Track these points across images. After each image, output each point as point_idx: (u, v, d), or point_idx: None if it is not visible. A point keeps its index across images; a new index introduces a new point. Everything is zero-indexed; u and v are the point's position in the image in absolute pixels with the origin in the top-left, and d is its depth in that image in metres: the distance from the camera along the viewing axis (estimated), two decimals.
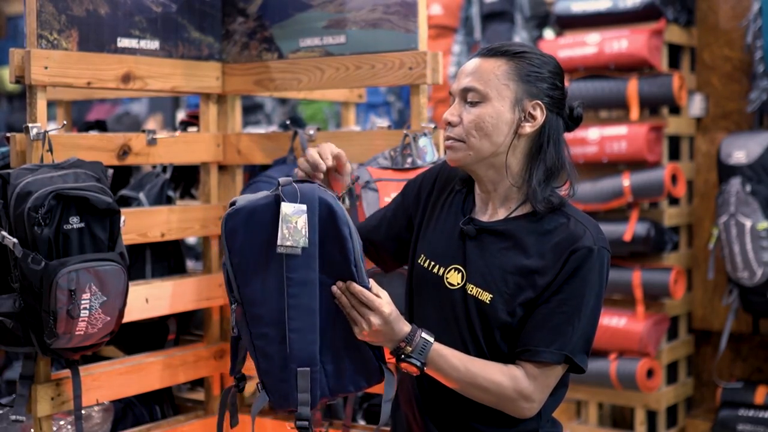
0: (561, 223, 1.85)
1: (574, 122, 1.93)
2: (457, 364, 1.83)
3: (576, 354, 1.83)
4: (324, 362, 1.89)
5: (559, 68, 1.92)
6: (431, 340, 1.84)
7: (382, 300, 1.83)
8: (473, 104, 1.87)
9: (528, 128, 1.87)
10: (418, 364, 1.82)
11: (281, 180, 1.88)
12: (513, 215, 1.90)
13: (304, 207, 1.83)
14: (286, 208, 1.83)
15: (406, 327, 1.84)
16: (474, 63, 1.89)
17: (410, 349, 1.82)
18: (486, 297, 1.86)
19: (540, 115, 1.87)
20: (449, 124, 1.90)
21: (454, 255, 1.93)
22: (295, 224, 1.82)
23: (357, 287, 1.83)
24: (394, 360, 1.88)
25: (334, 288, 1.86)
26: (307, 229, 1.82)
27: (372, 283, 1.86)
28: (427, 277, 1.96)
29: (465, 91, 1.88)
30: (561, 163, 1.90)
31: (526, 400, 1.83)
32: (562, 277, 1.81)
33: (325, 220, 1.86)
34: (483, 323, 1.86)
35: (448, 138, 1.91)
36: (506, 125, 1.86)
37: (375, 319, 1.82)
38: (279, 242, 1.82)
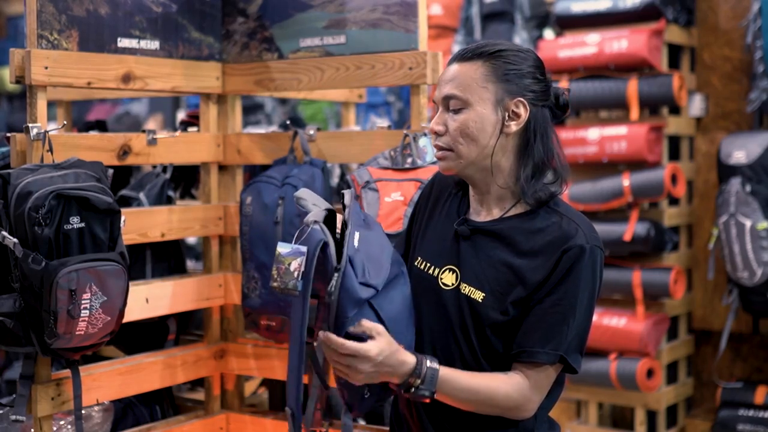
0: (553, 222, 1.86)
1: (561, 110, 1.94)
2: (464, 386, 1.82)
3: (570, 354, 1.83)
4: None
5: (538, 60, 1.92)
6: (437, 366, 1.80)
7: (365, 345, 1.75)
8: (456, 111, 1.87)
9: (513, 126, 1.87)
10: (428, 393, 1.80)
11: (306, 219, 1.79)
12: (507, 215, 1.90)
13: (304, 249, 1.73)
14: (281, 248, 1.74)
15: (409, 359, 1.79)
16: (452, 69, 1.89)
17: (419, 381, 1.78)
18: (479, 296, 1.86)
19: (524, 112, 1.87)
20: (436, 133, 1.90)
21: (449, 256, 1.93)
22: (287, 266, 1.73)
23: (334, 340, 1.73)
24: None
25: (319, 335, 1.77)
26: (301, 272, 1.72)
27: (364, 323, 1.77)
28: (422, 278, 1.96)
29: (446, 99, 1.88)
30: (550, 156, 1.90)
31: (527, 402, 1.84)
32: (556, 276, 1.81)
33: (319, 262, 1.76)
34: (476, 322, 1.86)
35: (437, 147, 1.91)
36: (491, 127, 1.86)
37: (364, 366, 1.75)
38: (272, 283, 1.76)
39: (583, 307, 1.83)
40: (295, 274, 1.72)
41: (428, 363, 1.80)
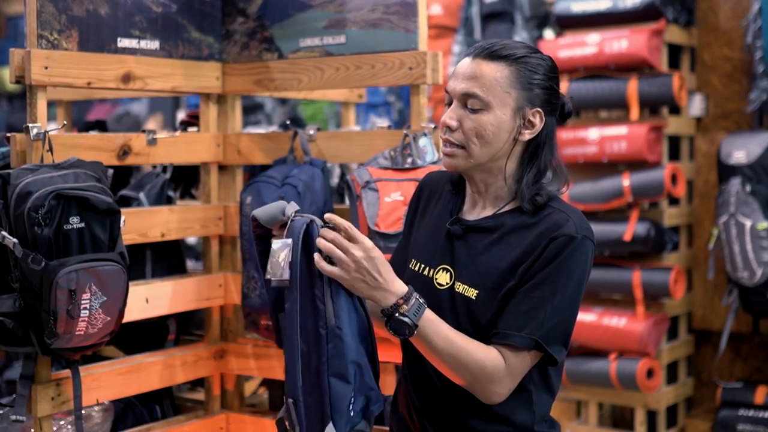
0: (545, 215, 1.85)
1: (564, 118, 1.94)
2: (443, 335, 1.80)
3: (550, 343, 1.79)
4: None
5: (555, 69, 1.90)
6: (426, 305, 1.80)
7: (364, 236, 1.80)
8: (474, 111, 1.84)
9: (527, 135, 1.86)
10: (411, 323, 1.77)
11: (287, 212, 1.86)
12: (500, 212, 1.90)
13: (289, 241, 1.82)
14: (274, 244, 1.84)
15: (402, 284, 1.80)
16: (474, 65, 1.86)
17: (407, 307, 1.77)
18: (472, 293, 1.85)
19: (539, 122, 1.86)
20: (448, 128, 1.87)
21: (442, 255, 1.93)
22: (277, 258, 1.82)
23: (338, 221, 1.79)
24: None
25: (322, 232, 1.80)
26: (287, 262, 1.81)
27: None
28: (417, 280, 1.95)
29: (465, 96, 1.85)
30: (553, 161, 1.90)
31: (498, 383, 1.80)
32: (540, 263, 1.80)
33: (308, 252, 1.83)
34: (471, 320, 1.85)
35: (447, 142, 1.88)
36: (506, 133, 1.85)
37: (357, 251, 1.76)
38: (266, 276, 1.85)
39: (566, 296, 1.80)
40: (283, 264, 1.80)
41: (418, 296, 1.80)
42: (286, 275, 1.81)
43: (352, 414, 1.82)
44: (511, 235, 1.86)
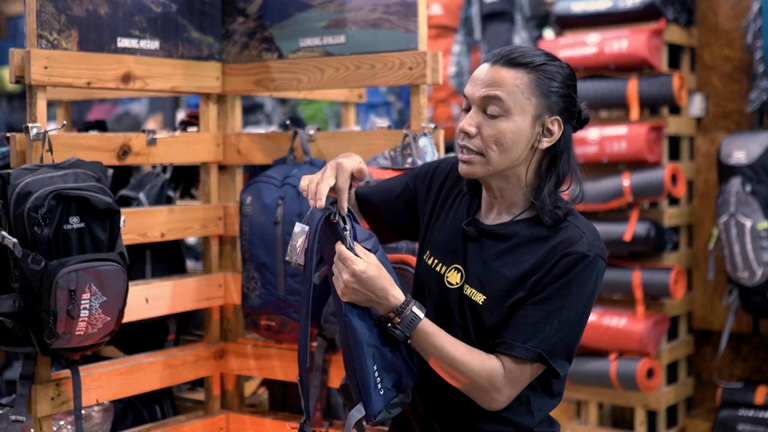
0: (560, 228, 1.85)
1: (581, 125, 1.93)
2: (439, 346, 1.83)
3: (554, 357, 1.81)
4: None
5: (573, 77, 1.89)
6: (421, 315, 1.83)
7: (356, 258, 1.81)
8: (494, 117, 1.83)
9: (545, 143, 1.86)
10: (401, 336, 1.83)
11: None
12: (516, 219, 1.90)
13: (307, 228, 1.90)
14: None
15: (397, 296, 1.83)
16: (493, 71, 1.84)
17: (399, 320, 1.82)
18: (479, 298, 1.86)
19: (557, 130, 1.86)
20: (466, 134, 1.86)
21: (456, 255, 1.93)
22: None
23: (338, 246, 1.85)
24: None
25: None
26: (302, 249, 1.89)
27: (358, 247, 1.86)
28: (429, 274, 1.97)
29: (486, 101, 1.84)
30: (571, 172, 1.90)
31: (497, 391, 1.82)
32: (550, 278, 1.81)
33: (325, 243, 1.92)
34: (476, 324, 1.87)
35: (464, 149, 1.87)
36: (525, 140, 1.84)
37: (345, 275, 1.81)
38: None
39: (574, 313, 1.82)
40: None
41: (413, 308, 1.83)
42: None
43: (382, 392, 1.86)
44: (525, 246, 1.86)
